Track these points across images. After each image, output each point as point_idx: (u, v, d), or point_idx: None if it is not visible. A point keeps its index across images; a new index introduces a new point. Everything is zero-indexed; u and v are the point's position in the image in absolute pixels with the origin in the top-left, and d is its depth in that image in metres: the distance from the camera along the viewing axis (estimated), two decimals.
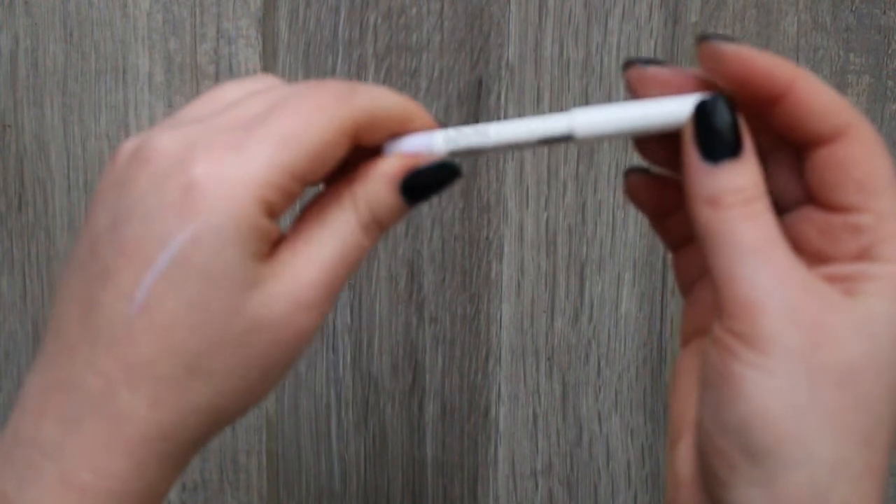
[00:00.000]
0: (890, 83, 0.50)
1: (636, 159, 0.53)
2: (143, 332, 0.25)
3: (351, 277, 0.27)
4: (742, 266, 0.25)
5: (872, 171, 0.25)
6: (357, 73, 0.51)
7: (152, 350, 0.25)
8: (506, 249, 0.52)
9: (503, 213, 0.52)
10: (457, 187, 0.51)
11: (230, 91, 0.28)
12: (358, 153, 0.28)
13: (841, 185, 0.25)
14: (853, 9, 0.50)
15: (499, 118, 0.51)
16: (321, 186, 0.29)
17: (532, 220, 0.52)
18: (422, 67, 0.51)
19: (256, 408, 0.54)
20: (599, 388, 0.53)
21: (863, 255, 0.25)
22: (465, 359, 0.53)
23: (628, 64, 0.28)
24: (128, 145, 0.27)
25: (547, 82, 0.51)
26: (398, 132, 0.27)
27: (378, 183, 0.27)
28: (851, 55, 0.50)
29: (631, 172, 0.30)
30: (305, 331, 0.26)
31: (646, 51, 0.50)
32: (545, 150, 0.51)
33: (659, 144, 0.29)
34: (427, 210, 0.52)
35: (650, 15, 0.50)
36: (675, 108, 0.26)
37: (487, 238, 0.52)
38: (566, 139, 0.27)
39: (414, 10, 0.50)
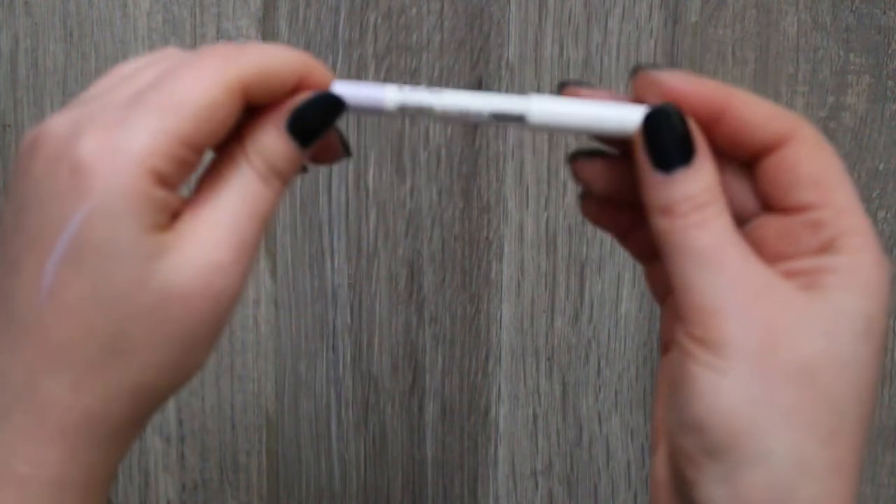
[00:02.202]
0: (890, 83, 0.50)
1: None
2: (54, 318, 0.25)
3: (265, 233, 0.26)
4: (695, 273, 0.25)
5: (824, 167, 0.26)
6: (357, 73, 0.51)
7: (66, 335, 0.25)
8: (506, 249, 0.52)
9: (503, 213, 0.52)
10: (457, 187, 0.51)
11: (127, 67, 0.28)
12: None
13: (795, 184, 0.26)
14: (853, 9, 0.50)
15: None
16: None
17: (532, 220, 0.52)
18: (422, 67, 0.51)
19: (256, 406, 0.54)
20: (599, 388, 0.53)
21: (824, 249, 0.25)
22: (465, 359, 0.53)
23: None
24: (29, 133, 0.27)
25: (547, 82, 0.51)
26: (293, 89, 0.27)
27: (264, 129, 0.27)
28: (851, 55, 0.50)
29: (584, 195, 0.31)
30: (223, 293, 0.26)
31: (646, 51, 0.50)
32: (545, 149, 0.51)
33: (594, 164, 0.29)
34: (427, 210, 0.52)
35: (650, 15, 0.50)
36: (629, 115, 0.26)
37: (487, 238, 0.52)
38: (518, 119, 0.27)
39: (414, 10, 0.50)
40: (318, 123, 0.27)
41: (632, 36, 0.50)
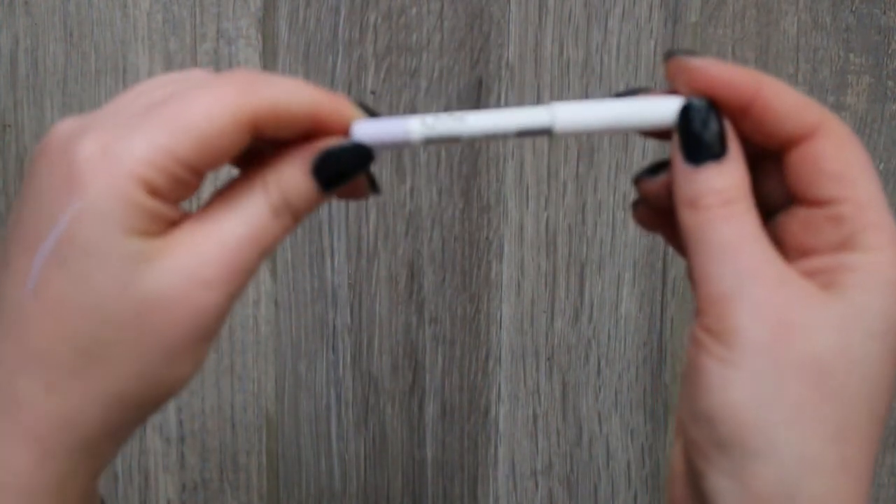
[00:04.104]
0: (890, 83, 0.50)
1: (636, 160, 0.53)
2: (35, 316, 0.25)
3: (266, 260, 0.26)
4: (714, 263, 0.25)
5: (847, 163, 0.26)
6: (357, 73, 0.51)
7: (45, 335, 0.25)
8: (506, 249, 0.52)
9: (503, 213, 0.52)
10: (457, 187, 0.51)
11: (148, 83, 0.28)
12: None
13: (817, 179, 0.26)
14: (853, 9, 0.50)
15: None
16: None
17: (532, 220, 0.52)
18: (422, 67, 0.51)
19: (256, 406, 0.54)
20: (599, 388, 0.53)
21: (845, 245, 0.25)
22: (465, 359, 0.53)
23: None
24: (43, 139, 0.27)
25: (547, 82, 0.51)
26: (309, 128, 0.27)
27: (289, 164, 0.26)
28: (851, 55, 0.50)
29: (637, 204, 0.31)
30: (205, 309, 0.25)
31: (646, 51, 0.50)
32: (545, 149, 0.51)
33: (659, 179, 0.29)
34: (427, 210, 0.52)
35: (650, 15, 0.50)
36: (653, 109, 0.27)
37: (487, 238, 0.52)
38: (545, 132, 0.27)
39: (414, 10, 0.50)
40: (344, 172, 0.27)
41: (632, 36, 0.50)
